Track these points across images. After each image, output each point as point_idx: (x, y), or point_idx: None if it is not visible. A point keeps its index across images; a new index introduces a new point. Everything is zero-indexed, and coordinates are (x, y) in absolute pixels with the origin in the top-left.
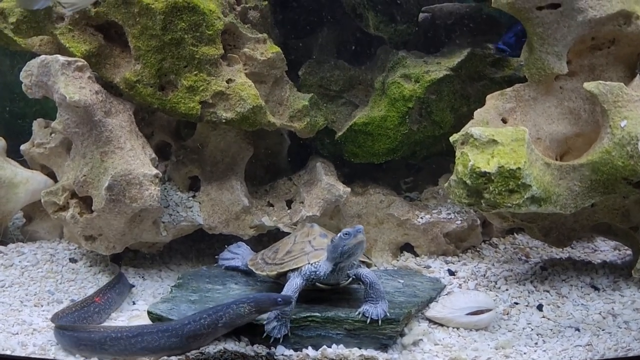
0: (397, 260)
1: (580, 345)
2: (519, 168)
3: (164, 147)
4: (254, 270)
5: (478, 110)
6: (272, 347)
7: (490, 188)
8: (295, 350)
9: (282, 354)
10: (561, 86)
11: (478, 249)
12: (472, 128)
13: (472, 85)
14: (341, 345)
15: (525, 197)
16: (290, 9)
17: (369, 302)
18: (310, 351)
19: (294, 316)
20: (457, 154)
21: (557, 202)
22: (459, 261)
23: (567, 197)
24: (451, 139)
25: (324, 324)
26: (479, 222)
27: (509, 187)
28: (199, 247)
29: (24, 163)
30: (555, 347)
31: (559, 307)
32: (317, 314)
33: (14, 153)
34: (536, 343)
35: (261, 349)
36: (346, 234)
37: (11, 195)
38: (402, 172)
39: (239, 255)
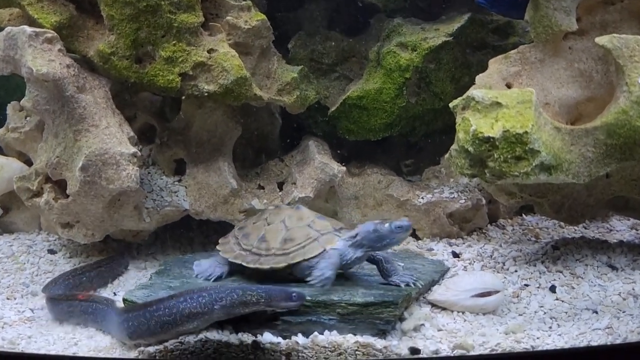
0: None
1: (599, 329)
2: (526, 132)
3: (148, 130)
4: (244, 264)
5: (480, 75)
6: (258, 335)
7: (495, 155)
8: (284, 337)
9: (269, 342)
10: (570, 46)
11: (484, 231)
12: (474, 90)
13: (473, 54)
14: (334, 332)
15: (534, 164)
16: None
17: (392, 276)
18: (299, 338)
19: None
20: (458, 119)
21: (569, 170)
22: (463, 243)
23: (580, 164)
24: (451, 104)
25: (314, 309)
26: (484, 201)
27: (515, 153)
28: (188, 236)
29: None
30: (572, 331)
31: (573, 288)
32: (307, 297)
33: None
34: (550, 327)
35: (246, 337)
36: (399, 227)
37: None
38: (402, 152)
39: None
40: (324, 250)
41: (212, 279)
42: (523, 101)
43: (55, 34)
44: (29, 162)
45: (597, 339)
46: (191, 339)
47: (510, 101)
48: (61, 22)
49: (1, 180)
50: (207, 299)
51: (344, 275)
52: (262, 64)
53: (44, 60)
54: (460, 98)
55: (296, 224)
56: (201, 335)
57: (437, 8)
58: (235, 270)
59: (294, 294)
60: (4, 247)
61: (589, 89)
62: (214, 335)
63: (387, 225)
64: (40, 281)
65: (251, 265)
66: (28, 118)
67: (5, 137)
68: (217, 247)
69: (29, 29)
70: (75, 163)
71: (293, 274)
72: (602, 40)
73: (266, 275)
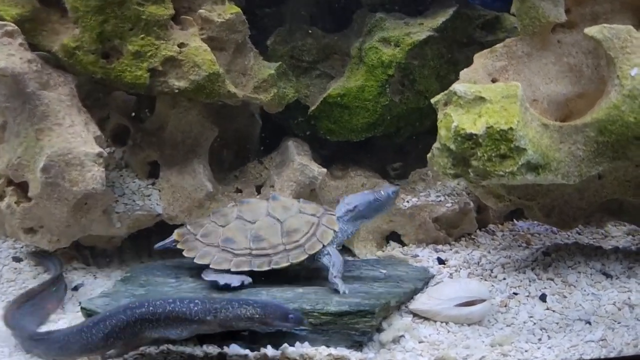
0: (383, 251)
1: (593, 341)
2: (510, 128)
3: (121, 131)
4: (255, 269)
5: (464, 70)
6: (224, 346)
7: (479, 153)
8: (252, 349)
9: (236, 354)
10: (559, 40)
11: (473, 237)
12: (456, 85)
13: (460, 50)
14: (306, 343)
15: (520, 163)
16: None
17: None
18: (269, 350)
19: None
20: (440, 116)
21: (557, 170)
22: (450, 249)
23: (570, 163)
24: (433, 100)
25: None
26: (472, 205)
27: (500, 151)
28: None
29: None
30: (563, 343)
31: (565, 297)
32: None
33: None
34: (540, 339)
35: (212, 349)
36: (395, 192)
37: None
38: (388, 155)
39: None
40: (334, 231)
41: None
42: (508, 96)
43: (16, 27)
44: None
45: (590, 352)
46: (152, 350)
47: (494, 96)
48: (23, 15)
49: None
50: (199, 307)
51: (320, 280)
52: (237, 60)
53: (2, 54)
54: (442, 93)
55: (287, 214)
56: (163, 347)
57: (422, 3)
58: None
59: (290, 315)
60: None
61: (579, 84)
62: (176, 346)
63: (384, 192)
64: (2, 290)
65: (265, 268)
66: None
67: None
68: (200, 262)
69: None
70: (37, 164)
71: (302, 265)
72: (592, 31)
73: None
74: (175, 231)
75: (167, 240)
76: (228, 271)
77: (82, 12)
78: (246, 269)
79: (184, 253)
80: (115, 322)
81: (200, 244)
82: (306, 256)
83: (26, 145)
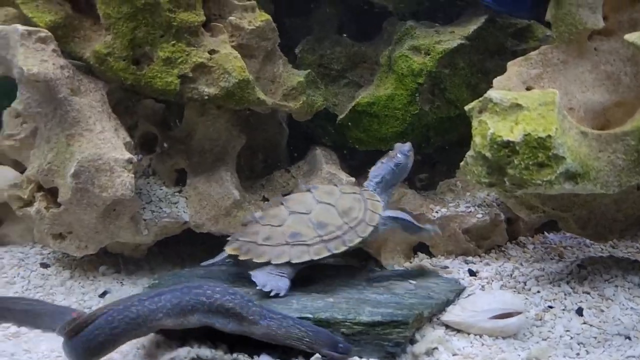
0: (410, 262)
1: (634, 357)
2: (549, 136)
3: (149, 139)
4: (326, 253)
5: (498, 78)
6: (254, 356)
7: (515, 161)
8: (282, 359)
9: None
10: (596, 47)
11: (503, 249)
12: (491, 91)
13: (491, 59)
14: None
15: (558, 171)
16: None
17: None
18: None
19: None
20: (474, 123)
21: (597, 179)
22: (480, 261)
23: (609, 172)
24: (467, 107)
25: None
26: (502, 216)
27: (537, 159)
28: (190, 251)
29: None
30: (602, 358)
31: (602, 311)
32: (309, 316)
33: None
34: (577, 353)
35: (242, 358)
36: (409, 149)
37: None
38: (415, 165)
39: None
40: (382, 205)
41: (281, 294)
42: (545, 103)
43: (49, 34)
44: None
45: None
46: (182, 357)
47: (531, 103)
48: (56, 22)
49: None
50: (257, 308)
51: (350, 289)
52: (266, 68)
53: (36, 60)
54: (476, 100)
55: (334, 197)
56: (193, 354)
57: (453, 12)
58: None
59: (340, 344)
60: None
61: (617, 92)
62: (206, 354)
63: (400, 155)
64: (30, 296)
65: (342, 249)
66: (24, 125)
67: (0, 146)
68: (279, 260)
69: (21, 28)
70: (68, 169)
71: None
72: (632, 37)
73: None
74: (228, 247)
75: (219, 258)
76: (289, 264)
77: (114, 19)
78: (326, 254)
79: (256, 259)
80: (170, 297)
81: (267, 247)
82: (371, 228)
83: (57, 150)
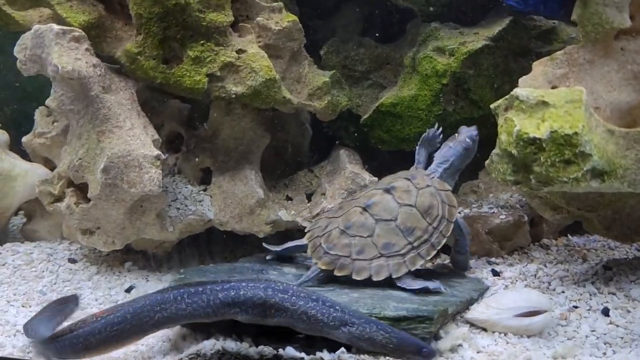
0: (433, 263)
1: None
2: (575, 133)
3: (175, 138)
4: (422, 261)
5: (523, 77)
6: (279, 349)
7: (542, 159)
8: (308, 353)
9: (292, 357)
10: (622, 47)
11: (526, 251)
12: (518, 89)
13: (515, 60)
14: None
15: (585, 169)
16: None
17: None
18: (325, 355)
19: None
20: (500, 121)
21: (624, 178)
22: (504, 262)
23: (637, 171)
24: (493, 105)
25: None
26: (526, 218)
27: (564, 156)
28: (213, 250)
29: (27, 157)
30: (629, 357)
31: (629, 311)
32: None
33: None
34: (604, 353)
35: (267, 351)
36: (476, 133)
37: (8, 189)
38: None
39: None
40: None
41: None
42: (572, 100)
43: (83, 33)
44: (54, 169)
45: None
46: (208, 350)
47: (557, 100)
48: (90, 22)
49: (25, 187)
50: (339, 314)
51: (375, 286)
52: (292, 68)
53: (70, 58)
54: (503, 98)
55: (412, 196)
56: (218, 346)
57: (477, 14)
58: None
59: (424, 349)
60: (24, 254)
61: None
62: (231, 346)
63: (469, 139)
64: (58, 289)
65: (432, 253)
66: (55, 123)
67: (31, 143)
68: (379, 278)
69: (56, 27)
70: (98, 165)
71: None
72: None
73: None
74: (320, 264)
75: (312, 274)
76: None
77: (146, 19)
78: (421, 262)
79: (355, 277)
80: (251, 296)
81: (363, 262)
82: (452, 225)
83: (87, 146)
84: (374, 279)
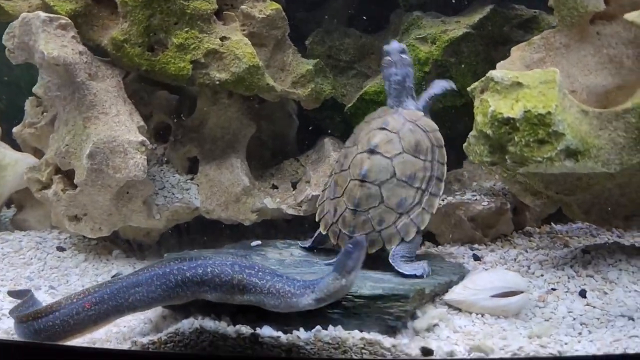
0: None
1: (637, 336)
2: (549, 112)
3: (163, 129)
4: (430, 214)
5: (501, 62)
6: (256, 328)
7: (516, 138)
8: (284, 332)
9: (269, 336)
10: (598, 31)
11: (509, 238)
12: (493, 71)
13: (496, 49)
14: (339, 327)
15: (559, 148)
16: None
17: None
18: (301, 333)
19: None
20: (476, 102)
21: (597, 157)
22: (486, 249)
23: (610, 150)
24: (469, 88)
25: None
26: (508, 205)
27: (538, 136)
28: (202, 240)
29: (18, 148)
30: (605, 337)
31: (606, 293)
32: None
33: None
34: (580, 333)
35: (244, 329)
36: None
37: None
38: None
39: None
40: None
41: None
42: (546, 81)
43: (69, 21)
44: None
45: (635, 347)
46: (186, 328)
47: (531, 81)
48: (76, 10)
49: (15, 176)
50: (301, 283)
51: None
52: (276, 56)
53: (56, 45)
54: (479, 80)
55: (395, 144)
56: (197, 325)
57: (459, 5)
58: None
59: (349, 247)
60: (14, 242)
61: (619, 75)
62: (209, 325)
63: (403, 54)
64: (46, 276)
65: (441, 191)
66: (44, 113)
67: (22, 133)
68: (394, 245)
69: (43, 14)
70: (84, 151)
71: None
72: (632, 15)
73: None
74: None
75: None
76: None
77: (131, 7)
78: (437, 202)
79: (388, 246)
80: (218, 272)
81: (388, 229)
82: (443, 149)
83: (74, 133)
84: (407, 239)
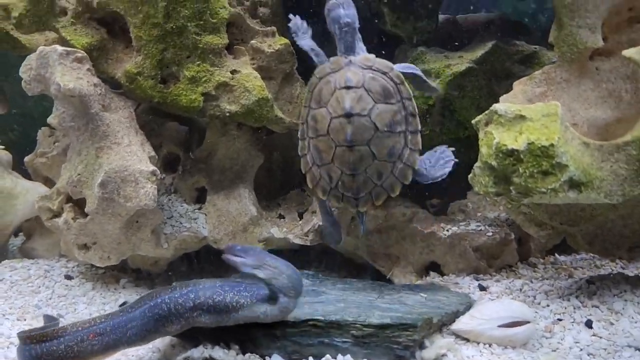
0: (422, 280)
1: None
2: (552, 145)
3: (172, 159)
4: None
5: (504, 96)
6: (266, 357)
7: (520, 170)
8: (293, 359)
9: None
10: (597, 67)
11: (514, 268)
12: (497, 104)
13: (499, 84)
14: (347, 356)
15: (562, 179)
16: (302, 9)
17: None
18: None
19: (291, 320)
20: (481, 135)
21: (600, 188)
22: (491, 279)
23: (613, 182)
24: (474, 121)
25: (327, 330)
26: (513, 236)
27: (542, 167)
28: (209, 269)
29: (30, 177)
30: None
31: (612, 324)
32: (320, 318)
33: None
34: None
35: (254, 358)
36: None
37: (9, 207)
38: (427, 190)
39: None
40: None
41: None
42: (548, 114)
43: (85, 54)
44: None
45: None
46: (196, 357)
47: (534, 114)
48: (92, 44)
49: (25, 205)
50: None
51: (361, 299)
52: (284, 89)
53: (72, 77)
54: (483, 114)
55: (364, 98)
56: (206, 354)
57: (462, 40)
58: None
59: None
60: (22, 270)
61: (618, 109)
62: (219, 354)
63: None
64: (54, 304)
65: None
66: (56, 143)
67: (33, 163)
68: (406, 181)
69: (60, 48)
70: (95, 180)
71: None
72: (630, 52)
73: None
74: (361, 209)
75: (361, 221)
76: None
77: (145, 41)
78: (419, 138)
79: (392, 194)
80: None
81: (388, 179)
82: (410, 93)
83: (86, 162)
84: (406, 183)
